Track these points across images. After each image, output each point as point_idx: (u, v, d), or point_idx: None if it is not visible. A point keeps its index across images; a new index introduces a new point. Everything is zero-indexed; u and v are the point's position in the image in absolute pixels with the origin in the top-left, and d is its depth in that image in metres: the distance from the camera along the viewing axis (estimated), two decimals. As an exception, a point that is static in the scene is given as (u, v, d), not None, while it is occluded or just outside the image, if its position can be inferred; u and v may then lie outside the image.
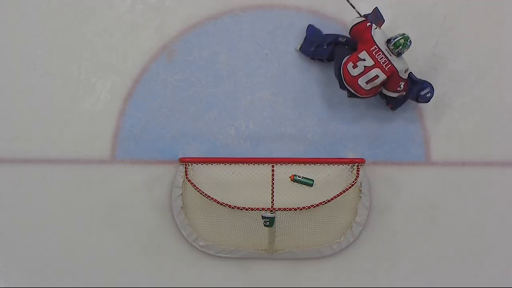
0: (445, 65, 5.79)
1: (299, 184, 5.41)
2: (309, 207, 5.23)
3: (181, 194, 5.58)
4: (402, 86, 5.35)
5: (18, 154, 5.72)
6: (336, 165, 5.47)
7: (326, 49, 5.53)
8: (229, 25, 5.82)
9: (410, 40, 5.23)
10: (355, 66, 5.26)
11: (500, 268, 5.63)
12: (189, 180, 5.36)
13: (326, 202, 5.29)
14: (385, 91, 5.42)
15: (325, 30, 5.74)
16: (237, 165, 5.45)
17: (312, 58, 5.70)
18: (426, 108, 5.75)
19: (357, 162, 5.41)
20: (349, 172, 5.47)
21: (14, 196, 5.71)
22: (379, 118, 5.75)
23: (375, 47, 5.20)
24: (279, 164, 5.27)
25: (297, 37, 5.78)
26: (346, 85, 5.36)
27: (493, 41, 5.76)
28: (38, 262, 5.68)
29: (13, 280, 5.65)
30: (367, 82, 5.28)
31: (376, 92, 5.38)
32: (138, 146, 5.73)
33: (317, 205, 5.25)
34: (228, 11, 5.78)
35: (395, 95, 5.41)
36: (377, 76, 5.24)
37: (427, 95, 5.48)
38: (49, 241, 5.69)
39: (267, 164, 5.28)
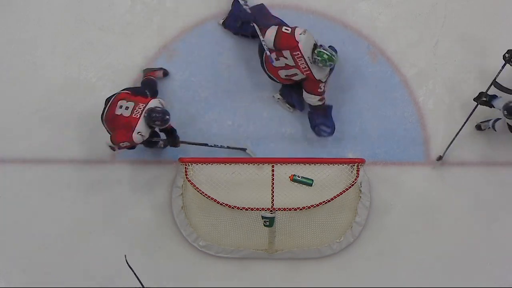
0: (445, 65, 5.79)
1: (299, 184, 5.41)
2: (309, 207, 5.21)
3: (181, 194, 5.59)
4: (322, 87, 5.38)
5: (18, 154, 5.72)
6: (336, 165, 5.44)
7: (252, 27, 5.47)
8: (229, 25, 5.82)
9: (332, 64, 5.25)
10: (277, 59, 5.32)
11: (500, 268, 5.63)
12: (189, 180, 5.34)
13: (326, 202, 5.26)
14: (306, 96, 5.44)
15: (326, 30, 5.74)
16: (237, 165, 5.44)
17: (235, 34, 5.72)
18: (426, 108, 5.75)
19: (357, 162, 5.37)
20: (349, 172, 5.44)
21: (14, 196, 5.72)
22: (379, 118, 5.75)
23: (298, 53, 5.24)
24: (279, 164, 5.24)
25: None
26: (266, 71, 5.46)
27: (493, 41, 5.76)
28: (38, 262, 5.67)
29: (13, 280, 5.65)
30: (286, 76, 5.38)
31: (294, 81, 5.43)
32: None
33: (317, 205, 5.23)
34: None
35: (315, 99, 5.42)
36: (296, 74, 5.34)
37: (323, 133, 5.63)
38: (49, 241, 5.69)
39: (267, 164, 5.26)
